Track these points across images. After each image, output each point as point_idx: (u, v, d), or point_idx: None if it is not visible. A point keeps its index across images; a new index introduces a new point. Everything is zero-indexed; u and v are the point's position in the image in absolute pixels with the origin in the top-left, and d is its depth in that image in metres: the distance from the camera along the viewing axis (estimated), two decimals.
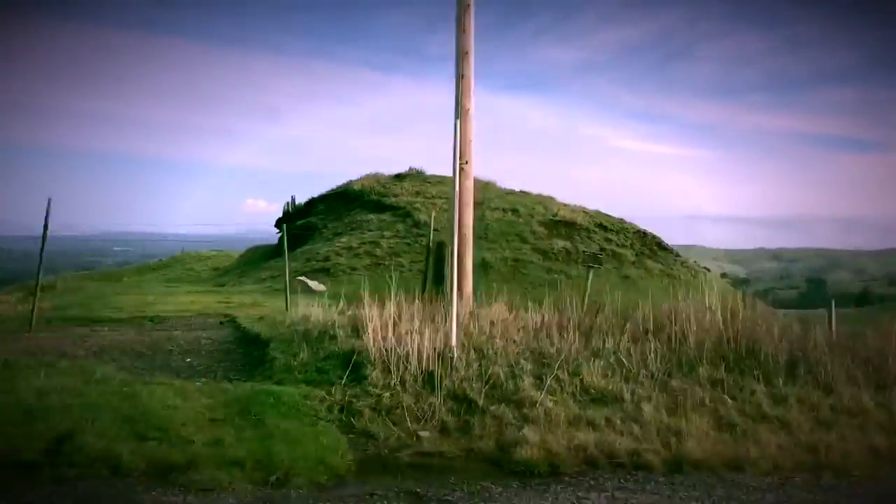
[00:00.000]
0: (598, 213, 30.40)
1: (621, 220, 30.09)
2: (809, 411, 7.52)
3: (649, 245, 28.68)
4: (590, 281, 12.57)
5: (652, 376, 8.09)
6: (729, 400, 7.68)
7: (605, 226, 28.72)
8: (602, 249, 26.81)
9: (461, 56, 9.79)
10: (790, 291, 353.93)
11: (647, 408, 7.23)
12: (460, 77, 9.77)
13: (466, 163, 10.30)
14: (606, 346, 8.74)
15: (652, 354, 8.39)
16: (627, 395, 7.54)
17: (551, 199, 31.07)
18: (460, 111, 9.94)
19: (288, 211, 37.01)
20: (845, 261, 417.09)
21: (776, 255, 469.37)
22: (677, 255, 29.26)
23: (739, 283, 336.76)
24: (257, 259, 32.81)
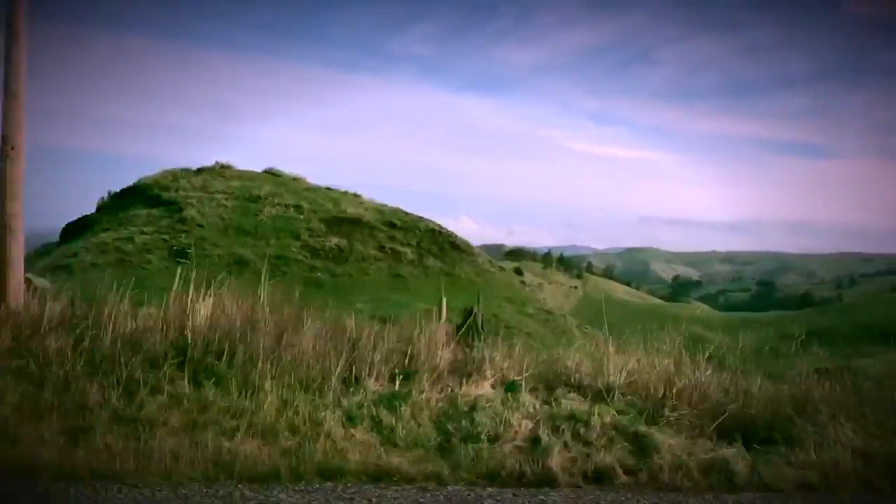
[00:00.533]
0: (397, 210, 28.98)
1: (420, 218, 28.74)
2: None
3: (441, 244, 27.30)
4: (178, 276, 10.50)
5: None
6: None
7: (395, 223, 27.30)
8: (381, 247, 25.37)
9: (13, 38, 8.63)
10: (741, 294, 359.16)
11: None
12: (9, 58, 8.62)
13: (13, 149, 8.98)
14: None
15: None
16: None
17: (355, 196, 29.66)
18: (9, 94, 8.67)
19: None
20: (796, 264, 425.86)
21: (729, 257, 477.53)
22: (473, 255, 27.90)
23: (692, 285, 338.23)
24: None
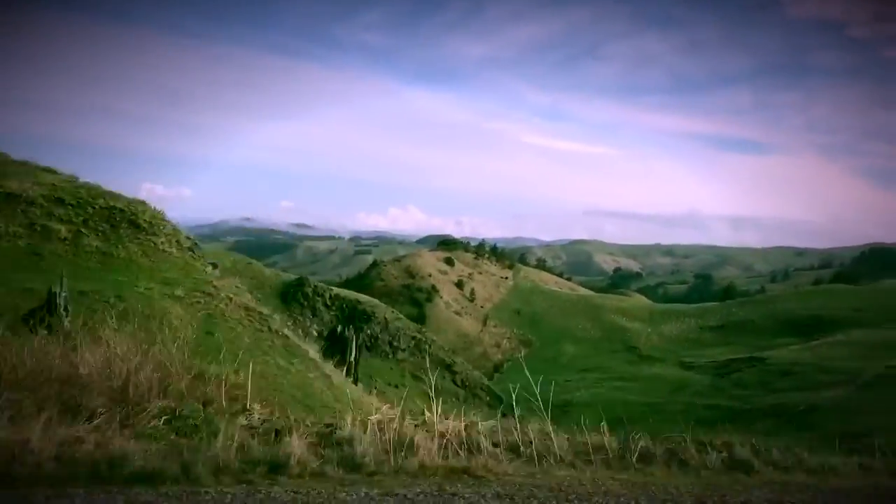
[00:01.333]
0: (83, 187, 27.07)
1: (110, 195, 26.87)
2: None
3: (117, 223, 25.53)
4: None
5: None
6: None
7: (64, 200, 25.39)
8: (31, 224, 23.44)
9: None
10: (679, 286, 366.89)
11: None
12: None
13: None
14: None
15: None
16: None
17: (50, 171, 27.93)
18: None
19: None
20: (734, 257, 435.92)
21: (670, 250, 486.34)
22: (155, 236, 25.98)
23: (632, 277, 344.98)
24: None
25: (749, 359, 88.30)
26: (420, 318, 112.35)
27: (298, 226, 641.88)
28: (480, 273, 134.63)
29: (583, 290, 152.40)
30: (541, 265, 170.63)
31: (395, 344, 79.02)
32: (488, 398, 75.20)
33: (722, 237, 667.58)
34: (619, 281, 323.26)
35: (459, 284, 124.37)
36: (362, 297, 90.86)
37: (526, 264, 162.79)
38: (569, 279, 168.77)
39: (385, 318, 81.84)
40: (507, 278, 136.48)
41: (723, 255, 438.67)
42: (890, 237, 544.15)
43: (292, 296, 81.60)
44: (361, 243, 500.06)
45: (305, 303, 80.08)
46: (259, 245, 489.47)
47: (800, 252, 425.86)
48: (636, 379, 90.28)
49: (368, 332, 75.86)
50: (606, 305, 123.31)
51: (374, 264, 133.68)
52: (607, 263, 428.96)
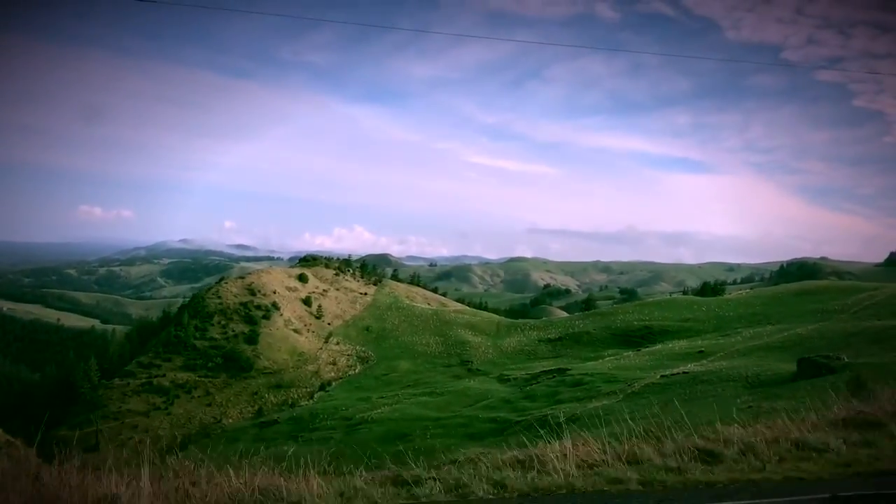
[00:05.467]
0: None
1: None
2: None
3: None
4: None
5: None
6: None
7: None
8: None
9: None
10: (606, 302, 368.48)
11: None
12: None
13: None
14: None
15: None
16: None
17: None
18: None
19: None
20: (667, 273, 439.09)
21: (606, 267, 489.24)
22: None
23: (562, 293, 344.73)
24: None
25: (556, 370, 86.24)
26: (253, 337, 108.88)
27: (238, 247, 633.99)
28: (338, 289, 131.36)
29: (456, 305, 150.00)
30: (414, 280, 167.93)
31: None
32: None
33: (658, 253, 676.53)
34: (545, 297, 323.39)
35: (307, 301, 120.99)
36: None
37: (399, 280, 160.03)
38: (444, 294, 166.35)
39: None
40: (365, 294, 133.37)
41: (656, 271, 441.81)
42: (817, 251, 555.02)
43: None
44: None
45: None
46: (193, 267, 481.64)
47: (731, 267, 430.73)
48: (445, 393, 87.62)
49: None
50: (457, 321, 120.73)
51: (219, 282, 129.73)
52: (544, 280, 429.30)
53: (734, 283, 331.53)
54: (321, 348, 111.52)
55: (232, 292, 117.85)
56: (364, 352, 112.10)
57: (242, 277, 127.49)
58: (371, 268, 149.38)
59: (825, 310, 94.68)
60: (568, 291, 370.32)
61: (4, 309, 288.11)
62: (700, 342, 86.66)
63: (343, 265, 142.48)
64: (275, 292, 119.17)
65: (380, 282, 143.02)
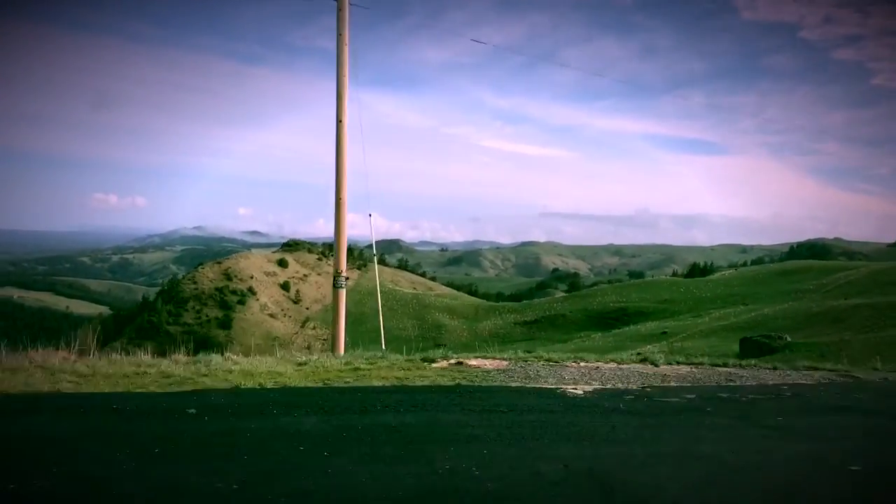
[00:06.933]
0: None
1: None
2: None
3: None
4: None
5: None
6: None
7: None
8: None
9: None
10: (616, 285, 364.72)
11: None
12: None
13: None
14: None
15: None
16: None
17: None
18: None
19: None
20: (679, 255, 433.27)
21: (618, 250, 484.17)
22: None
23: (569, 276, 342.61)
24: None
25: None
26: (226, 322, 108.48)
27: (252, 233, 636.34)
28: (319, 274, 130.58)
29: (443, 289, 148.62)
30: (402, 265, 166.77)
31: None
32: None
33: (671, 236, 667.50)
34: (551, 282, 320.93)
35: (285, 286, 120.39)
36: None
37: (386, 265, 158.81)
38: (432, 279, 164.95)
39: None
40: (348, 278, 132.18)
41: (668, 254, 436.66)
42: (832, 232, 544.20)
43: None
44: None
45: None
46: (206, 254, 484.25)
47: (744, 249, 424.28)
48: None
49: None
50: (436, 304, 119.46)
51: (197, 266, 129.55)
52: (556, 264, 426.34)
53: (744, 264, 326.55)
54: (296, 333, 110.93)
55: (208, 277, 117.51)
56: None
57: (219, 262, 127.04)
58: (359, 252, 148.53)
59: (800, 290, 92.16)
60: (577, 275, 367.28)
61: (15, 297, 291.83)
62: (670, 323, 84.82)
63: (326, 250, 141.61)
64: (252, 277, 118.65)
65: (364, 266, 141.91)
